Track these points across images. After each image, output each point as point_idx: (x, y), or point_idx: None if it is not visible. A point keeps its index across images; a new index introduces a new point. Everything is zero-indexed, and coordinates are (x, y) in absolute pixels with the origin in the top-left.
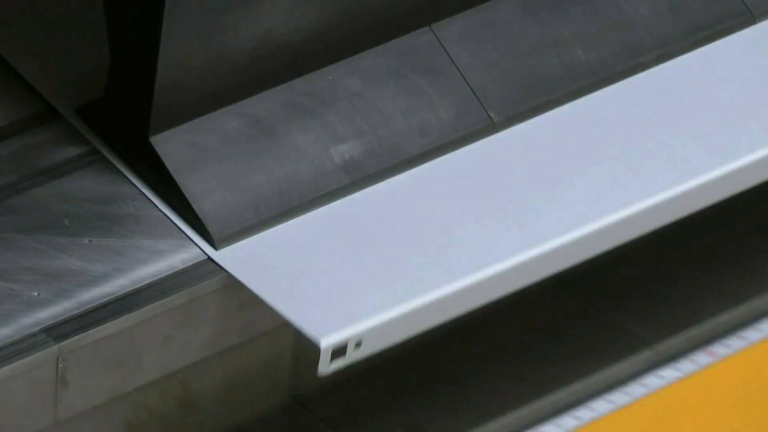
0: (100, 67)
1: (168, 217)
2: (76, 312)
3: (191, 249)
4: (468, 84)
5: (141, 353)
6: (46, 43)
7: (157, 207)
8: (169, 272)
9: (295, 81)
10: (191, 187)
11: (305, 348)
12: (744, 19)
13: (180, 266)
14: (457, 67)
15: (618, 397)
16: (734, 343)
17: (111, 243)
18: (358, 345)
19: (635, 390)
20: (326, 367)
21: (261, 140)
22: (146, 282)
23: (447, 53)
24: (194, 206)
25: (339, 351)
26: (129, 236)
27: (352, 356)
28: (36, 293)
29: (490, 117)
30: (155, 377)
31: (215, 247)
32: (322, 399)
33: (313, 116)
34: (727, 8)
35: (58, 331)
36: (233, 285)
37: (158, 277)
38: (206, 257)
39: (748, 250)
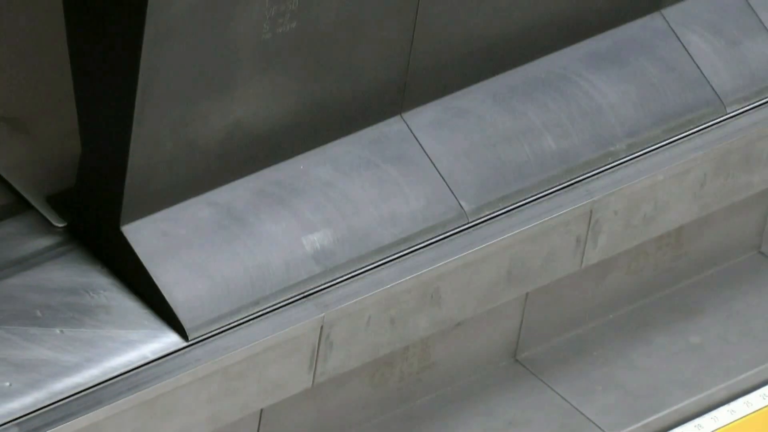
0: (71, 157)
1: (139, 307)
2: (47, 403)
3: (162, 339)
4: (439, 172)
5: None
6: (16, 134)
7: (128, 297)
8: (141, 362)
9: (266, 170)
10: (162, 276)
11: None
12: (715, 107)
13: (151, 356)
14: (428, 156)
15: None
16: None
17: (82, 333)
18: None
19: None
20: None
21: (232, 229)
22: (117, 372)
23: (418, 142)
24: (166, 296)
25: None
26: (100, 326)
27: None
28: (7, 384)
29: (461, 206)
30: None
31: (186, 336)
32: None
33: (284, 205)
34: (698, 96)
35: (30, 424)
36: (203, 378)
37: (129, 367)
38: (177, 348)
39: (709, 340)
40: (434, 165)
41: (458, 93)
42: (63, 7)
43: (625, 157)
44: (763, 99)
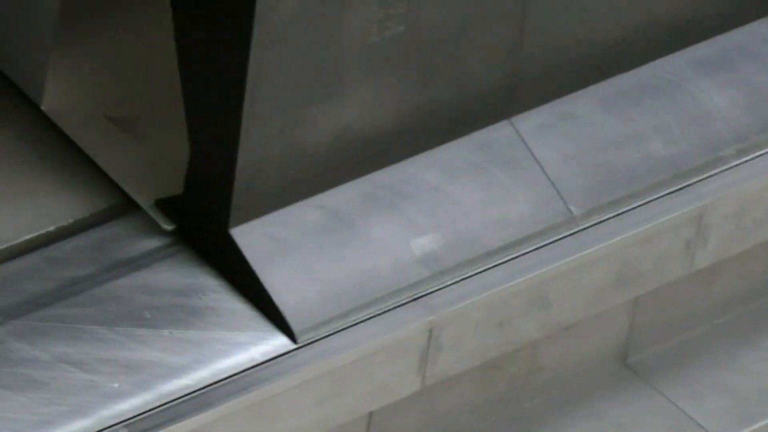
0: (179, 158)
1: (247, 309)
2: (155, 405)
3: (271, 341)
4: (547, 177)
5: None
6: (125, 136)
7: (236, 299)
8: (249, 364)
9: (374, 173)
10: (271, 279)
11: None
12: None
13: (260, 358)
14: (536, 160)
15: None
16: None
17: (190, 335)
18: None
19: None
20: None
21: (340, 232)
22: (226, 374)
23: (526, 146)
24: (274, 298)
25: None
26: (208, 328)
27: None
28: (116, 385)
29: (569, 210)
30: None
31: (295, 339)
32: None
33: (392, 208)
34: None
35: (138, 426)
36: (312, 380)
37: (238, 369)
38: (285, 350)
39: None
40: (543, 169)
41: (567, 97)
42: (171, 10)
43: (734, 162)
44: None
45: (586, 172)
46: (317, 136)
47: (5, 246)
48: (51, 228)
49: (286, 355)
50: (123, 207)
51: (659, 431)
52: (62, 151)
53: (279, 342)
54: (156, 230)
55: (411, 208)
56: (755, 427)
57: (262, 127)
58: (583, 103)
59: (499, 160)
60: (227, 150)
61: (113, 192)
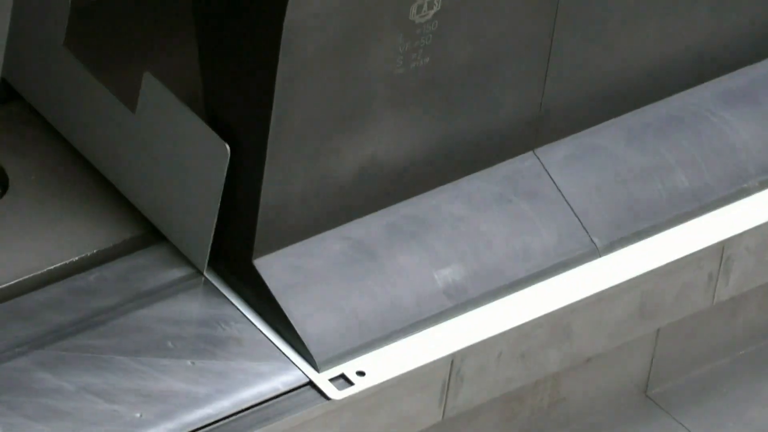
0: None
1: (270, 340)
2: None
3: (293, 371)
4: (571, 208)
5: None
6: (151, 168)
7: (259, 329)
8: (271, 395)
9: (399, 205)
10: (294, 309)
11: None
12: None
13: (282, 388)
14: (560, 192)
15: None
16: None
17: (213, 365)
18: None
19: None
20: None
21: (364, 263)
22: (248, 404)
23: (551, 178)
24: (296, 328)
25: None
26: (231, 358)
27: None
28: (138, 414)
29: (593, 241)
30: None
31: (317, 369)
32: None
33: (416, 240)
34: None
35: None
36: (335, 411)
37: (260, 399)
38: (308, 380)
39: None
40: (567, 201)
41: (591, 129)
42: (197, 43)
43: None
44: None
45: (609, 204)
46: (342, 167)
47: (29, 276)
48: (75, 258)
49: (308, 386)
50: (148, 238)
51: None
52: (87, 182)
53: (301, 372)
54: (181, 261)
55: (435, 239)
56: None
57: (286, 158)
58: (608, 135)
59: (523, 192)
60: (252, 181)
61: (138, 223)
